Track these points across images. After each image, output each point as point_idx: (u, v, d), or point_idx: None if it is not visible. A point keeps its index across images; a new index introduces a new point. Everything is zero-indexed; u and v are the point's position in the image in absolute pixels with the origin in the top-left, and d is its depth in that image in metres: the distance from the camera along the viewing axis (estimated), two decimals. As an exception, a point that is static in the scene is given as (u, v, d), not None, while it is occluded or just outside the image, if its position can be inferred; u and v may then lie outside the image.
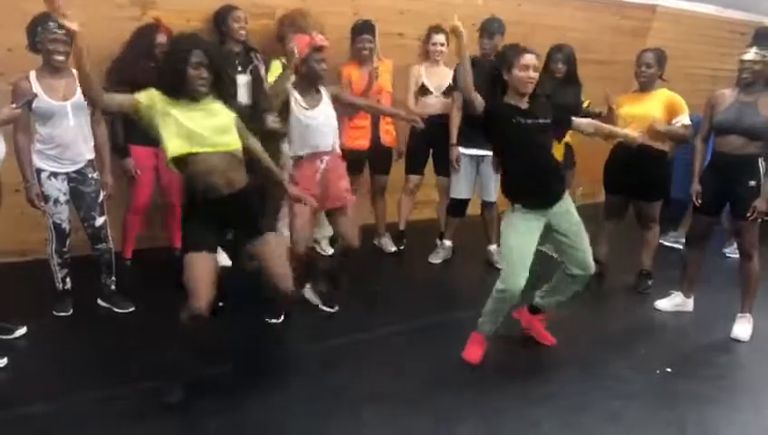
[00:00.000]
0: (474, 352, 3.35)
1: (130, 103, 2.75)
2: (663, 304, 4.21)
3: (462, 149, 4.64)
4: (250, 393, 2.94)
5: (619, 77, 5.39)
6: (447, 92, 4.74)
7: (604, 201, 4.70)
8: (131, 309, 3.67)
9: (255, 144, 3.07)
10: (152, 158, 4.01)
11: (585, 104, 4.64)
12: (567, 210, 3.30)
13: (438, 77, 4.81)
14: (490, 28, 4.59)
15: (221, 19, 4.20)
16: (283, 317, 3.68)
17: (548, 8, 5.86)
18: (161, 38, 3.85)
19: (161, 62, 2.77)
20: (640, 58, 4.31)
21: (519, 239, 3.21)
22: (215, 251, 2.86)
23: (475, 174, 4.74)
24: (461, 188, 4.76)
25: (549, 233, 3.31)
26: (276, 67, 4.33)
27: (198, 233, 2.81)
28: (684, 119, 4.19)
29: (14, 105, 2.93)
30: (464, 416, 2.88)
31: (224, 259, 4.39)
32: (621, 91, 4.51)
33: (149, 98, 2.74)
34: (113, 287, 3.69)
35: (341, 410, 2.88)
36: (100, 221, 3.54)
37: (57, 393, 2.83)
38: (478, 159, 4.69)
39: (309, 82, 3.58)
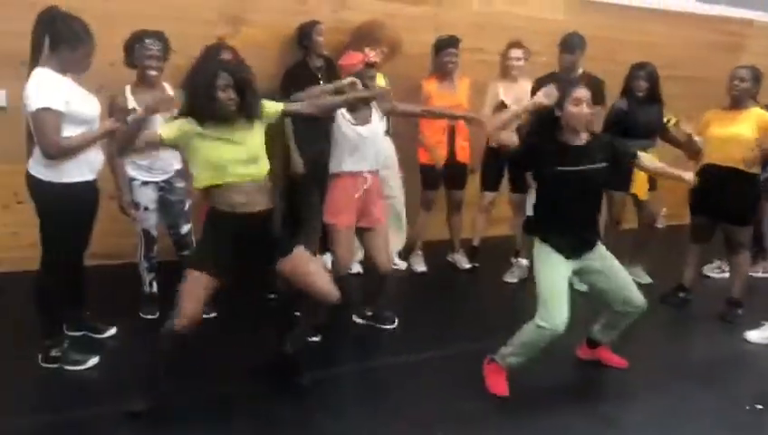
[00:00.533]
0: (499, 383, 3.15)
1: (153, 139, 2.78)
2: (754, 335, 3.97)
3: None
4: (331, 402, 2.98)
5: (710, 94, 5.17)
6: None
7: (690, 224, 4.51)
8: (213, 314, 3.80)
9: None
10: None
11: (672, 122, 4.48)
12: (600, 254, 3.15)
13: (516, 93, 4.75)
14: (570, 44, 4.51)
15: (305, 34, 4.31)
16: (319, 334, 3.59)
17: (635, 23, 5.71)
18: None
19: (187, 86, 2.78)
20: (734, 73, 4.14)
21: (552, 273, 3.05)
22: (215, 276, 2.76)
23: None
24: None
25: (582, 276, 3.19)
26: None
27: (206, 253, 2.79)
28: None
29: (114, 119, 3.11)
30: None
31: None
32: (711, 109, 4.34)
33: (174, 131, 2.74)
34: None
35: (405, 427, 2.87)
36: (185, 229, 3.70)
37: (145, 392, 2.94)
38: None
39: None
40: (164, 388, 2.84)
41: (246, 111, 2.78)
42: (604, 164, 3.06)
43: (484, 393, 3.15)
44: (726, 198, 4.12)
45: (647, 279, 4.80)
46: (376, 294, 3.83)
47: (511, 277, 4.85)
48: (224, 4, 4.40)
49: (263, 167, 2.84)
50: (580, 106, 2.99)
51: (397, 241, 4.81)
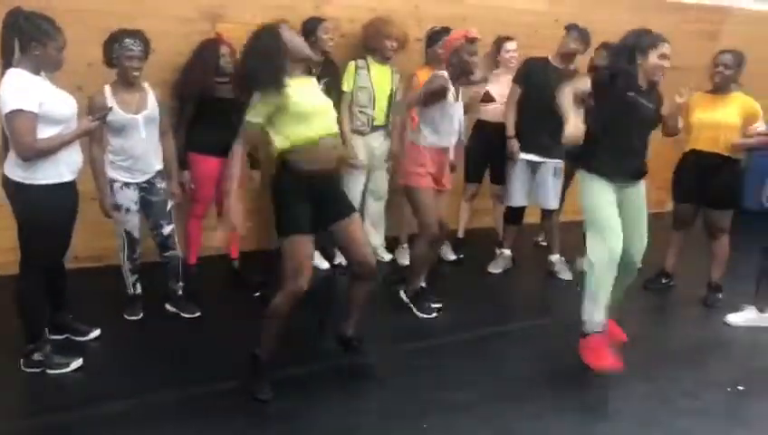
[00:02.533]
0: (604, 356, 3.09)
1: (257, 133, 2.92)
2: (735, 318, 4.03)
3: (521, 155, 4.61)
4: (322, 395, 2.99)
5: (688, 82, 5.21)
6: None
7: (672, 210, 4.55)
8: (197, 314, 3.78)
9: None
10: (214, 167, 4.05)
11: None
12: (639, 192, 3.33)
13: (502, 85, 4.78)
14: (581, 35, 4.52)
15: (309, 31, 4.30)
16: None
17: (614, 11, 5.72)
18: (224, 49, 3.96)
19: (248, 59, 2.87)
20: (717, 58, 4.18)
21: (601, 200, 3.20)
22: (313, 232, 2.91)
23: (531, 181, 4.69)
24: (516, 195, 4.72)
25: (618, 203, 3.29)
26: (350, 71, 4.49)
27: (297, 215, 2.87)
28: (761, 125, 4.04)
29: (91, 118, 3.08)
30: (524, 429, 2.84)
31: (321, 262, 4.54)
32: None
33: (263, 111, 2.83)
34: (180, 293, 3.82)
35: (402, 418, 2.88)
36: (168, 229, 3.67)
37: (128, 393, 2.95)
38: (534, 166, 4.64)
39: (460, 73, 3.75)
40: (270, 359, 2.96)
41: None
42: (654, 107, 3.27)
43: (470, 383, 3.17)
44: (709, 182, 4.17)
45: None
46: (431, 260, 4.07)
47: (495, 268, 4.88)
48: (202, 2, 4.36)
49: (334, 123, 2.98)
50: (664, 60, 3.15)
51: (377, 237, 4.85)
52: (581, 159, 3.35)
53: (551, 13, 5.03)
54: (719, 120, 4.11)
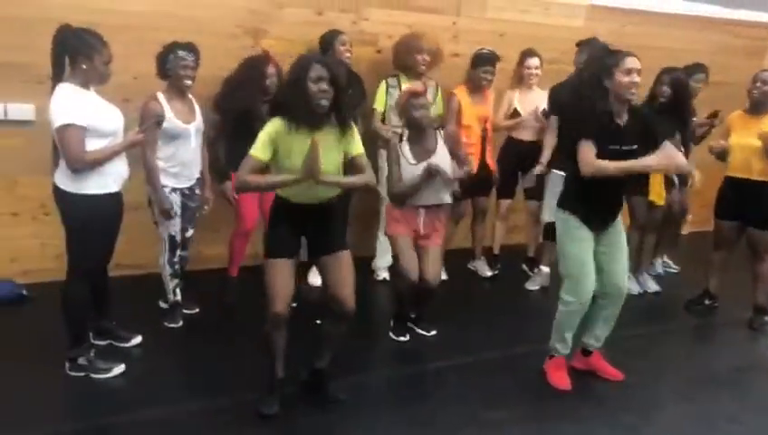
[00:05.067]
0: (560, 377, 3.29)
1: (259, 168, 2.77)
2: (781, 342, 3.94)
3: (557, 171, 4.56)
4: (338, 415, 2.99)
5: (734, 98, 5.12)
6: (545, 116, 4.66)
7: (713, 230, 4.45)
8: (196, 310, 3.96)
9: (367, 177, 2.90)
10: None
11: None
12: (616, 229, 3.23)
13: (531, 102, 4.76)
14: (589, 44, 4.39)
15: (327, 43, 4.36)
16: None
17: (654, 28, 5.67)
18: (271, 70, 3.99)
19: (280, 87, 2.80)
20: (757, 75, 4.10)
21: (578, 246, 3.14)
22: (294, 257, 2.86)
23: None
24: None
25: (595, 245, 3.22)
26: (381, 89, 4.51)
27: (281, 239, 2.85)
28: None
29: (138, 129, 3.17)
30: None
31: (315, 279, 4.51)
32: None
33: (267, 147, 2.74)
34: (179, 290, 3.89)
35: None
36: (190, 233, 3.88)
37: (168, 400, 3.00)
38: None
39: (414, 131, 3.66)
40: (281, 374, 2.95)
41: (338, 110, 2.71)
42: (636, 146, 3.04)
43: (509, 401, 3.15)
44: (750, 203, 4.07)
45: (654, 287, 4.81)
46: (423, 305, 3.86)
47: (532, 285, 4.83)
48: (244, 18, 4.46)
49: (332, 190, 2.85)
50: (631, 75, 2.94)
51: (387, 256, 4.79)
52: (561, 197, 3.27)
53: (587, 29, 4.99)
54: (755, 146, 4.00)
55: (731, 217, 4.24)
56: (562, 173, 4.48)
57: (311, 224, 2.89)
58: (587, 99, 3.14)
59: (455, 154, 3.74)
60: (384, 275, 4.82)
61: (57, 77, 2.96)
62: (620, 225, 3.26)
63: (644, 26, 5.60)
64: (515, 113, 4.80)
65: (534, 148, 4.65)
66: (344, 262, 2.91)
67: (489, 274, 5.03)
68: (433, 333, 3.88)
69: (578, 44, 4.48)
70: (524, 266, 5.10)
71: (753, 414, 3.15)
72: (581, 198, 3.14)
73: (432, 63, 4.61)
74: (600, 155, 2.99)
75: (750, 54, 6.07)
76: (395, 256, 3.79)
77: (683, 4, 5.57)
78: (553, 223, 4.61)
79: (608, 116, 3.03)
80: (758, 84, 4.05)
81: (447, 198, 3.76)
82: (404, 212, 3.69)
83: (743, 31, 6.13)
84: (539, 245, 4.94)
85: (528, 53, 4.80)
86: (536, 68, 4.77)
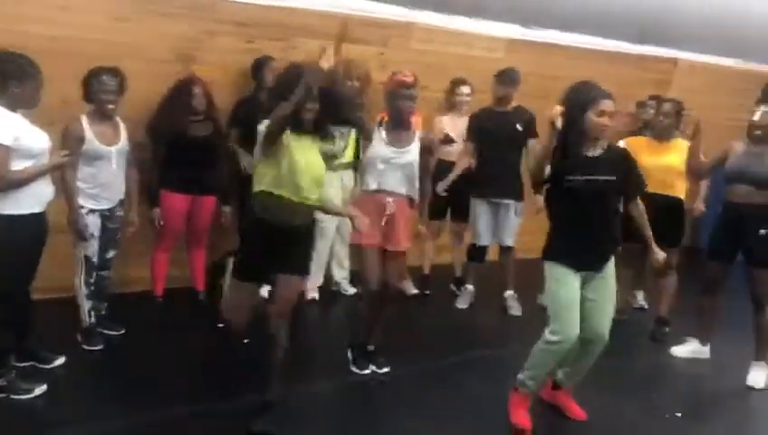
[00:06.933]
0: (522, 416, 3.15)
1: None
2: (678, 350, 4.24)
3: (477, 199, 4.87)
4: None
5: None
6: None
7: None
8: (122, 331, 3.93)
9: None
10: (186, 204, 4.27)
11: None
12: (606, 279, 3.11)
13: (460, 127, 5.03)
14: (506, 77, 4.78)
15: (257, 68, 4.51)
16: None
17: (570, 61, 6.04)
18: (197, 89, 4.16)
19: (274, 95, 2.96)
20: (659, 108, 4.51)
21: (564, 288, 3.02)
22: (257, 281, 3.05)
23: (494, 220, 4.89)
24: (482, 234, 4.91)
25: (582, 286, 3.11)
26: None
27: (243, 262, 3.01)
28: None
29: (63, 152, 3.23)
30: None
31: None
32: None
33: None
34: (103, 312, 3.93)
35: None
36: (111, 254, 3.88)
37: (89, 419, 3.02)
38: (497, 206, 4.86)
39: (393, 121, 3.68)
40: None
41: (319, 127, 2.96)
42: (614, 177, 2.98)
43: (431, 413, 3.28)
44: (658, 221, 4.37)
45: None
46: (375, 318, 3.76)
47: (462, 303, 5.03)
48: (177, 45, 4.55)
49: (320, 195, 3.02)
50: (604, 118, 2.92)
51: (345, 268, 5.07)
52: (545, 250, 3.16)
53: (508, 60, 5.30)
54: (662, 165, 4.32)
55: (635, 239, 4.51)
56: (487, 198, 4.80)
57: (279, 243, 2.96)
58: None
59: (424, 158, 3.74)
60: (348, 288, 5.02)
61: None
62: (611, 277, 3.13)
63: (559, 58, 5.96)
64: (447, 138, 5.04)
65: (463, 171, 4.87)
66: (294, 285, 3.06)
67: (415, 292, 5.16)
68: (385, 370, 3.73)
69: (495, 75, 4.80)
70: (452, 286, 5.29)
71: (647, 416, 3.40)
72: (561, 242, 3.07)
73: (361, 89, 4.77)
74: (569, 183, 2.96)
75: (658, 85, 6.54)
76: (360, 267, 3.75)
77: (595, 39, 5.97)
78: (477, 246, 4.91)
79: (576, 147, 2.99)
80: (661, 117, 4.48)
81: (414, 193, 3.71)
82: (374, 197, 3.61)
83: (650, 65, 6.60)
84: (464, 264, 5.17)
85: (459, 81, 5.10)
86: (467, 95, 5.08)
